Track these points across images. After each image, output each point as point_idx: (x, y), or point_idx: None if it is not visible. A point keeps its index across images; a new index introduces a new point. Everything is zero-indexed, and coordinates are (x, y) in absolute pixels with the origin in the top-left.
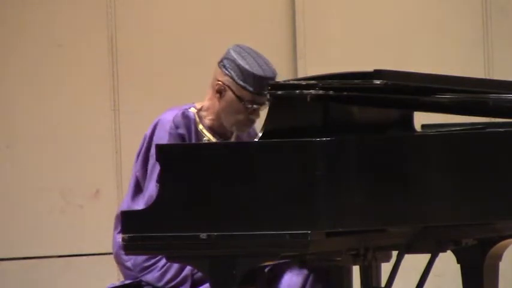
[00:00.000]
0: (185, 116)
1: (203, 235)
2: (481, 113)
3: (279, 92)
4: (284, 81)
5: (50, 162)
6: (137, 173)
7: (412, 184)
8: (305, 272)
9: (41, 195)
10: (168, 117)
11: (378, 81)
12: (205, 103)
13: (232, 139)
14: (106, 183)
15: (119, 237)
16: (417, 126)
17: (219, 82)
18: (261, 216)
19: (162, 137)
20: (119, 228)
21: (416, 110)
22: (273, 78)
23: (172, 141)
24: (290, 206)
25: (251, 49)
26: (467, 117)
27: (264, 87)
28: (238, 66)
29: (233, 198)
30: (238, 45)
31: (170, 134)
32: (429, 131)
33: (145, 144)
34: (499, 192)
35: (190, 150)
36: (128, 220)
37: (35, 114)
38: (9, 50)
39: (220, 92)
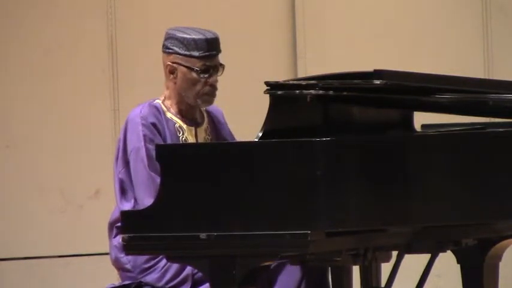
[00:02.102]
0: (152, 106)
1: (203, 235)
2: (481, 113)
3: (279, 92)
4: (284, 81)
5: (50, 162)
6: (120, 175)
7: (412, 184)
8: (302, 272)
9: (41, 195)
10: (135, 112)
11: (377, 81)
12: (165, 93)
13: (204, 124)
14: (106, 183)
15: (115, 242)
16: (417, 126)
17: (168, 63)
18: (261, 216)
19: (136, 131)
20: (114, 234)
21: (416, 110)
22: (214, 39)
23: (147, 132)
24: (290, 206)
25: (187, 26)
26: (467, 117)
27: (208, 49)
28: (178, 39)
29: (233, 198)
30: (172, 26)
31: (143, 124)
32: (429, 131)
33: (121, 147)
34: (499, 192)
35: (190, 150)
36: (128, 220)
37: (35, 114)
38: (10, 49)
39: (172, 72)
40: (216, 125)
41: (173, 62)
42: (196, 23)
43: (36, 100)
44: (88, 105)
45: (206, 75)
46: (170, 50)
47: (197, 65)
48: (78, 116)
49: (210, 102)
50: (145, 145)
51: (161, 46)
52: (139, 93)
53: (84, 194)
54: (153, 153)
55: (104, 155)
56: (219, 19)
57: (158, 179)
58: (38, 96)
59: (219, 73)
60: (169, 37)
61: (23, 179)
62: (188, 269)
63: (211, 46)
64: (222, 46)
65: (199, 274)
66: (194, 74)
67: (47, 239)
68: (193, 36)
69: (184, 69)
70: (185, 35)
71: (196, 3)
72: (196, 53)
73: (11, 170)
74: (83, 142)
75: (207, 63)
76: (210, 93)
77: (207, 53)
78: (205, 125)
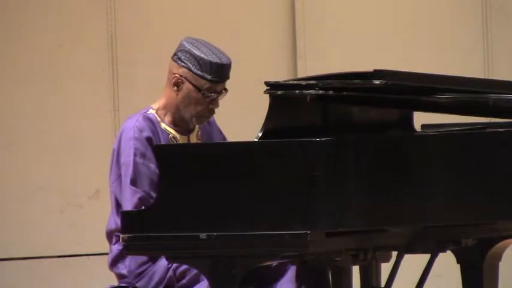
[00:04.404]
0: (146, 118)
1: (203, 235)
2: (481, 113)
3: (279, 92)
4: (284, 81)
5: (50, 162)
6: (112, 188)
7: (412, 184)
8: (302, 272)
9: (41, 195)
10: (130, 124)
11: (377, 81)
12: (162, 101)
13: (195, 132)
14: (106, 183)
15: (114, 249)
16: (417, 126)
17: (176, 75)
18: (261, 216)
19: (129, 145)
20: (114, 241)
21: (416, 110)
22: (229, 65)
23: (140, 146)
24: (290, 206)
25: (203, 40)
26: (467, 117)
27: (220, 75)
28: (194, 56)
29: (233, 198)
30: (190, 37)
31: (135, 138)
32: (429, 131)
33: (114, 157)
34: (499, 192)
35: (190, 150)
36: (128, 220)
37: (35, 114)
38: (9, 49)
39: (177, 84)
40: (205, 126)
41: (181, 76)
42: (196, 23)
43: (36, 100)
44: (88, 105)
45: (211, 99)
46: (183, 64)
47: (206, 86)
48: (78, 116)
49: (203, 123)
50: (134, 159)
51: (172, 54)
52: (139, 93)
53: (84, 194)
54: (141, 167)
55: (104, 155)
56: (219, 19)
57: (139, 194)
58: (38, 96)
59: (221, 97)
60: (184, 50)
61: (23, 179)
62: (170, 274)
63: (224, 72)
64: (222, 46)
65: (184, 281)
66: (199, 95)
67: (47, 239)
68: (210, 59)
69: (191, 86)
70: (202, 55)
71: (197, 3)
72: (208, 76)
73: (11, 170)
74: (83, 142)
75: (215, 88)
76: (207, 116)
77: (218, 79)
78: (196, 130)
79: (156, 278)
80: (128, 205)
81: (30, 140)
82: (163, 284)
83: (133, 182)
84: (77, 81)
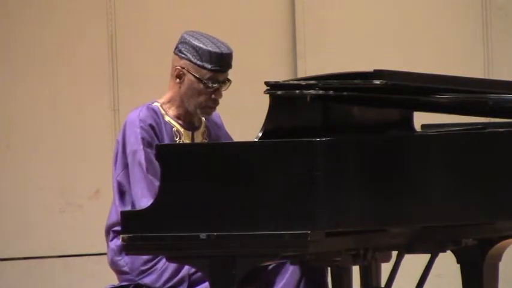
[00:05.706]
0: (150, 109)
1: (203, 235)
2: (481, 113)
3: (279, 92)
4: (284, 81)
5: (50, 162)
6: (118, 178)
7: (412, 184)
8: (301, 272)
9: (41, 195)
10: (134, 115)
11: (377, 81)
12: (167, 95)
13: (202, 128)
14: (106, 183)
15: (112, 245)
16: (417, 126)
17: (177, 67)
18: (261, 216)
19: (135, 134)
20: (111, 237)
21: (416, 110)
22: (229, 54)
23: (146, 135)
24: (290, 206)
25: (204, 33)
26: (467, 117)
27: (221, 64)
28: (193, 46)
29: (233, 198)
30: (190, 30)
31: (141, 127)
32: (429, 131)
33: (120, 148)
34: (499, 193)
35: (191, 150)
36: (127, 220)
37: (35, 114)
38: (10, 50)
39: (179, 76)
40: (213, 127)
41: (183, 67)
42: (196, 23)
43: (36, 100)
44: (88, 105)
45: (213, 89)
46: (183, 55)
47: (207, 76)
48: (78, 116)
49: (210, 114)
50: (143, 149)
51: (173, 48)
52: (139, 93)
53: (84, 194)
54: (152, 156)
55: (104, 155)
56: (219, 19)
57: (157, 183)
58: (38, 96)
59: (225, 88)
60: (184, 41)
61: (23, 179)
62: (185, 270)
63: (224, 61)
64: None
65: (197, 275)
66: (201, 85)
67: (47, 239)
68: (209, 48)
69: (193, 77)
70: (201, 45)
71: (196, 3)
72: (208, 66)
73: (11, 170)
74: (82, 142)
75: (217, 77)
76: (212, 107)
77: (218, 68)
78: (202, 128)
79: (166, 275)
80: (148, 194)
81: (30, 140)
82: (174, 280)
83: (149, 172)
84: (77, 81)
